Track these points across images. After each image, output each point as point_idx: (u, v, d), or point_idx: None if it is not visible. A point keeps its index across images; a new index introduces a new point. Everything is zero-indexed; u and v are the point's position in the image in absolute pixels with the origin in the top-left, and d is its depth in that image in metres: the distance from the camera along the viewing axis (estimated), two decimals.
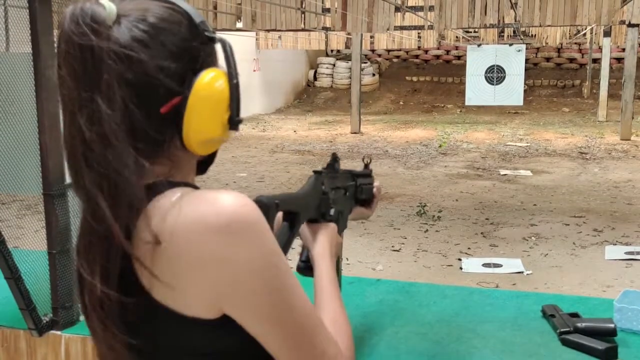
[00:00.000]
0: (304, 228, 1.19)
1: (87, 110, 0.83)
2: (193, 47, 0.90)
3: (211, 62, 0.93)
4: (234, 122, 0.91)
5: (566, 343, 1.68)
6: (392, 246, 5.99)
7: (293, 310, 0.87)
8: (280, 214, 1.11)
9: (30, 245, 1.84)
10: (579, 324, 1.71)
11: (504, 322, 1.83)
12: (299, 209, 1.14)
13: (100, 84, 0.83)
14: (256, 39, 16.14)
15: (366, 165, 1.63)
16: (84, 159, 0.83)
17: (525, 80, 11.07)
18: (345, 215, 1.40)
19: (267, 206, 0.97)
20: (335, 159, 1.35)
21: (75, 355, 1.77)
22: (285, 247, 1.09)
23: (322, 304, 1.05)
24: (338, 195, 1.33)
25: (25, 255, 1.77)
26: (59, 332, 1.78)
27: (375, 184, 1.60)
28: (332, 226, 1.21)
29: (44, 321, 1.76)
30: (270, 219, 0.96)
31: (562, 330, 1.71)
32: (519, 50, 6.90)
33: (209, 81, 0.90)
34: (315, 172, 1.24)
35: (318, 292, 1.07)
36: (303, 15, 9.93)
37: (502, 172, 9.69)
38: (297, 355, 0.88)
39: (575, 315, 1.79)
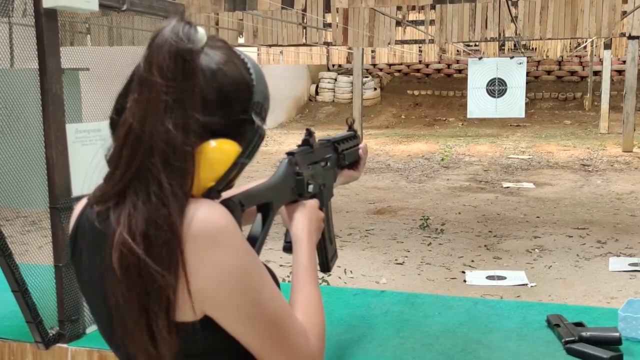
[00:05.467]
0: (282, 211, 1.21)
1: (173, 117, 0.91)
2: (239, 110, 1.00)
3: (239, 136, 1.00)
4: (212, 190, 0.96)
5: (571, 352, 1.68)
6: (396, 259, 5.99)
7: (266, 307, 0.95)
8: (252, 209, 1.12)
9: (35, 260, 1.85)
10: (584, 333, 1.71)
11: (509, 332, 1.83)
12: (269, 198, 1.14)
13: (187, 94, 0.92)
14: (258, 54, 16.22)
15: (350, 127, 1.62)
16: (163, 157, 0.90)
17: (526, 93, 11.12)
18: (329, 186, 1.40)
19: (231, 208, 0.98)
20: (309, 133, 1.34)
21: None
22: (261, 238, 1.10)
23: (296, 292, 1.08)
24: (316, 170, 1.32)
25: (31, 269, 1.78)
26: (65, 345, 1.78)
27: (361, 144, 1.60)
28: (310, 203, 1.22)
29: (51, 334, 1.77)
30: (236, 218, 0.97)
31: (567, 339, 1.71)
32: (520, 63, 6.94)
33: (231, 145, 0.97)
34: (287, 153, 1.24)
35: (294, 277, 1.11)
36: (304, 31, 9.99)
37: (505, 184, 9.70)
38: (271, 350, 0.96)
39: (580, 324, 1.79)
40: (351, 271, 5.60)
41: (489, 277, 5.40)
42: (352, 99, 15.40)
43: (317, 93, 20.59)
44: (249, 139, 0.99)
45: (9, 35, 2.23)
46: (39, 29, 1.70)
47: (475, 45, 15.46)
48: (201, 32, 0.97)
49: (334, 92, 20.33)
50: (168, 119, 0.91)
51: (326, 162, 1.41)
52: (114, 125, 0.99)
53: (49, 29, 1.71)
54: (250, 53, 15.35)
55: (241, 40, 10.24)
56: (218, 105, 0.96)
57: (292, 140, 15.92)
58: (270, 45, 12.49)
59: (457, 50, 16.53)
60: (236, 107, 0.99)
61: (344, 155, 1.51)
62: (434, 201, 8.60)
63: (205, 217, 0.90)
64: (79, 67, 2.44)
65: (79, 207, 1.06)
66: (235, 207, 1.01)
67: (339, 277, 5.40)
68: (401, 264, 5.88)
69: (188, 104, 0.92)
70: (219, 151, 0.95)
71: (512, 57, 7.30)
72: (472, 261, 5.89)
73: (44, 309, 1.77)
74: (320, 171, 1.35)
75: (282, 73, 18.17)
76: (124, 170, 0.93)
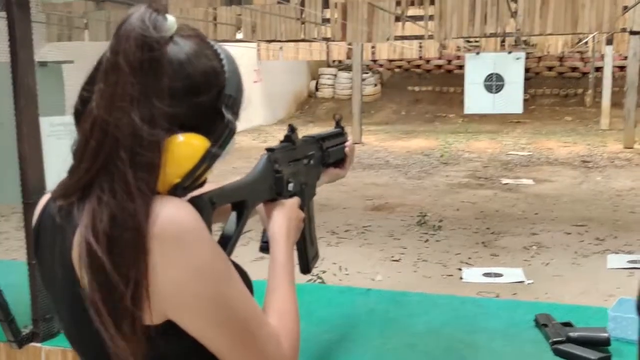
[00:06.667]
0: (260, 209, 1.16)
1: (140, 108, 0.86)
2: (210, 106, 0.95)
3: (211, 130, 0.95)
4: (178, 187, 0.91)
5: (559, 353, 1.63)
6: (392, 256, 5.94)
7: (235, 311, 0.90)
8: (228, 205, 1.08)
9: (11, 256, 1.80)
10: (571, 334, 1.66)
11: (495, 332, 1.79)
12: (245, 196, 1.09)
13: (154, 85, 0.88)
14: (257, 50, 16.16)
15: (337, 123, 1.57)
16: (130, 150, 0.86)
17: (527, 89, 10.99)
18: (311, 185, 1.36)
19: (199, 206, 0.93)
20: (292, 129, 1.29)
21: None
22: (234, 237, 1.06)
23: (270, 293, 1.04)
24: (298, 167, 1.28)
25: (5, 266, 1.73)
26: (39, 345, 1.74)
27: (347, 142, 1.55)
28: (290, 202, 1.18)
29: (24, 333, 1.72)
30: (206, 217, 0.93)
31: (554, 340, 1.66)
32: (517, 58, 6.87)
33: (199, 140, 0.92)
34: (267, 149, 1.19)
35: (270, 277, 1.06)
36: (303, 26, 9.93)
37: (504, 181, 9.64)
38: (238, 354, 0.90)
39: (568, 324, 1.74)
40: (346, 268, 5.55)
41: (486, 274, 5.36)
42: (352, 95, 15.35)
43: (317, 89, 20.52)
44: (219, 133, 0.94)
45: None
46: (10, 20, 1.65)
47: (476, 42, 15.38)
48: (171, 20, 0.92)
49: (334, 88, 20.27)
50: (134, 110, 0.86)
51: (309, 159, 1.36)
52: (78, 116, 0.94)
53: (20, 20, 1.66)
54: (249, 49, 15.20)
55: (239, 36, 10.18)
56: (186, 97, 0.92)
57: None
58: (269, 41, 12.43)
59: (458, 47, 16.45)
60: (205, 99, 0.94)
61: (329, 153, 1.45)
62: (432, 198, 8.55)
63: (170, 216, 0.86)
64: (62, 60, 2.39)
65: (42, 202, 1.02)
66: (205, 205, 0.96)
67: (334, 274, 5.36)
68: (397, 260, 5.84)
69: (155, 95, 0.88)
70: (186, 146, 0.91)
71: (509, 52, 7.22)
72: (469, 258, 5.84)
73: (18, 307, 1.72)
74: (302, 169, 1.31)
75: (282, 69, 18.10)
76: (89, 163, 0.88)
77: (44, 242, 0.98)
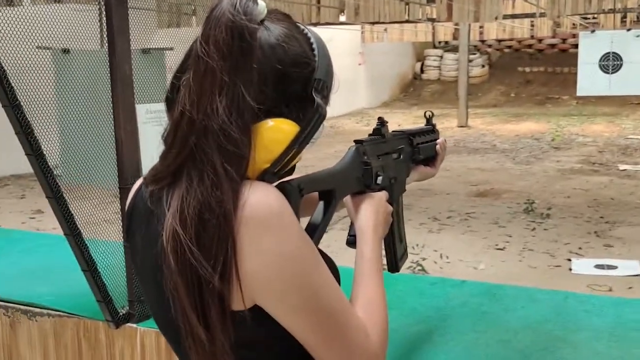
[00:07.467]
0: (348, 201, 1.14)
1: (229, 95, 0.85)
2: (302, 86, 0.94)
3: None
4: (267, 173, 0.90)
5: None
6: (496, 245, 5.74)
7: (321, 299, 0.87)
8: (315, 194, 1.05)
9: (106, 236, 1.87)
10: None
11: (599, 332, 1.66)
12: (333, 185, 1.06)
13: (244, 71, 0.86)
14: (362, 33, 16.08)
15: (428, 120, 1.52)
16: (217, 137, 0.85)
17: None
18: (400, 180, 1.32)
19: (287, 192, 0.91)
20: (381, 123, 1.26)
21: (150, 348, 1.78)
22: (321, 227, 1.03)
23: (357, 286, 1.01)
24: (387, 161, 1.24)
25: (102, 247, 1.80)
26: (134, 325, 1.80)
27: (439, 139, 1.50)
28: (378, 195, 1.14)
29: (121, 313, 1.79)
30: (293, 203, 0.91)
31: None
32: (638, 36, 6.37)
33: (289, 125, 0.91)
34: (355, 141, 1.17)
35: (356, 271, 1.03)
36: (407, 7, 9.75)
37: (621, 167, 9.06)
38: (326, 344, 0.88)
39: None
40: (447, 256, 5.42)
41: (598, 266, 5.06)
42: (458, 76, 14.97)
43: (422, 71, 20.17)
44: (309, 118, 0.92)
45: (99, 18, 2.28)
46: (108, 9, 1.70)
47: (594, 18, 14.51)
48: (261, 5, 0.91)
49: (440, 69, 19.83)
50: (223, 98, 0.86)
51: (399, 154, 1.32)
52: (170, 103, 0.95)
53: (117, 9, 1.71)
54: (354, 31, 15.19)
55: (343, 18, 10.15)
56: (276, 82, 0.90)
57: (395, 120, 15.70)
58: (372, 23, 12.32)
59: (573, 24, 15.58)
60: (296, 84, 0.92)
61: (419, 149, 1.42)
62: (540, 184, 8.18)
63: (257, 200, 0.85)
64: (164, 47, 2.45)
65: (135, 186, 1.04)
66: (293, 191, 0.94)
67: (435, 262, 5.25)
68: (502, 249, 5.63)
69: (244, 81, 0.87)
70: (275, 130, 0.89)
71: (629, 30, 6.71)
72: (580, 248, 5.54)
73: (115, 288, 1.79)
74: (392, 163, 1.27)
75: (386, 51, 17.92)
76: (178, 150, 0.89)
77: (136, 226, 1.00)
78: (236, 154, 0.85)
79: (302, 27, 0.97)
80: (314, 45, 0.95)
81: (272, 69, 0.90)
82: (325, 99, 0.95)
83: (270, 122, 0.89)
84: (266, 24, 0.91)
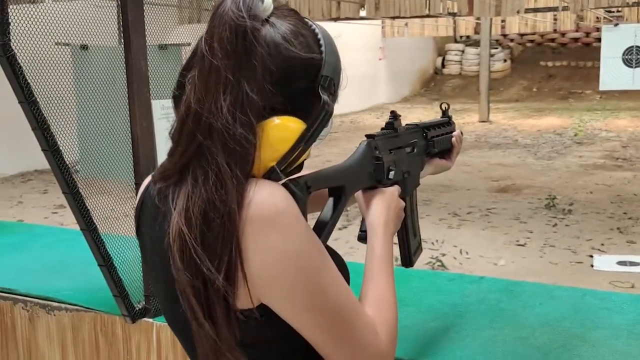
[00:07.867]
0: (359, 196, 1.12)
1: (233, 93, 0.85)
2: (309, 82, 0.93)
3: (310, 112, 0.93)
4: (273, 171, 0.89)
5: None
6: (517, 241, 5.69)
7: (329, 298, 0.87)
8: (325, 194, 1.05)
9: (122, 231, 1.88)
10: None
11: (619, 330, 1.63)
12: (343, 181, 1.05)
13: (248, 70, 0.86)
14: (382, 27, 16.00)
15: (444, 112, 1.50)
16: (222, 135, 0.85)
17: None
18: (414, 175, 1.30)
19: (294, 190, 0.90)
20: (394, 116, 1.24)
21: (166, 342, 1.79)
22: (330, 224, 1.03)
23: (367, 284, 1.00)
24: (400, 155, 1.23)
25: (118, 241, 1.81)
26: (150, 320, 1.81)
27: (455, 132, 1.48)
28: (390, 190, 1.13)
29: (137, 308, 1.80)
30: (300, 201, 0.90)
31: None
32: None
33: (295, 122, 0.90)
34: (367, 136, 1.15)
35: (366, 268, 1.02)
36: (428, 1, 9.67)
37: None
38: (334, 343, 0.88)
39: None
40: (467, 252, 5.39)
41: (620, 263, 4.99)
42: (479, 71, 14.84)
43: (443, 66, 20.03)
44: (315, 115, 0.91)
45: (117, 14, 2.29)
46: (123, 5, 1.71)
47: (618, 12, 14.28)
48: (267, 2, 0.90)
49: (461, 64, 19.68)
50: (227, 96, 0.86)
51: (412, 148, 1.30)
52: (177, 100, 0.95)
53: (133, 5, 1.71)
54: (374, 26, 15.14)
55: (363, 13, 10.11)
56: (282, 80, 0.89)
57: (415, 115, 15.60)
58: (393, 18, 12.25)
59: (597, 18, 15.35)
60: (302, 81, 0.92)
61: (434, 143, 1.39)
62: (562, 179, 8.09)
63: (263, 199, 0.84)
64: (181, 43, 2.46)
65: (144, 184, 1.04)
66: (300, 188, 0.94)
67: (454, 258, 5.22)
68: (523, 245, 5.58)
69: (249, 79, 0.86)
70: (282, 128, 0.89)
71: None
72: (602, 245, 5.47)
73: (131, 282, 1.80)
74: (405, 157, 1.25)
75: (407, 45, 17.82)
76: (184, 148, 0.89)
77: (145, 223, 1.00)
78: (241, 153, 0.85)
79: (309, 22, 0.96)
80: (321, 42, 0.94)
81: (278, 67, 0.89)
82: (333, 96, 0.94)
83: (277, 120, 0.89)
84: (272, 20, 0.91)
